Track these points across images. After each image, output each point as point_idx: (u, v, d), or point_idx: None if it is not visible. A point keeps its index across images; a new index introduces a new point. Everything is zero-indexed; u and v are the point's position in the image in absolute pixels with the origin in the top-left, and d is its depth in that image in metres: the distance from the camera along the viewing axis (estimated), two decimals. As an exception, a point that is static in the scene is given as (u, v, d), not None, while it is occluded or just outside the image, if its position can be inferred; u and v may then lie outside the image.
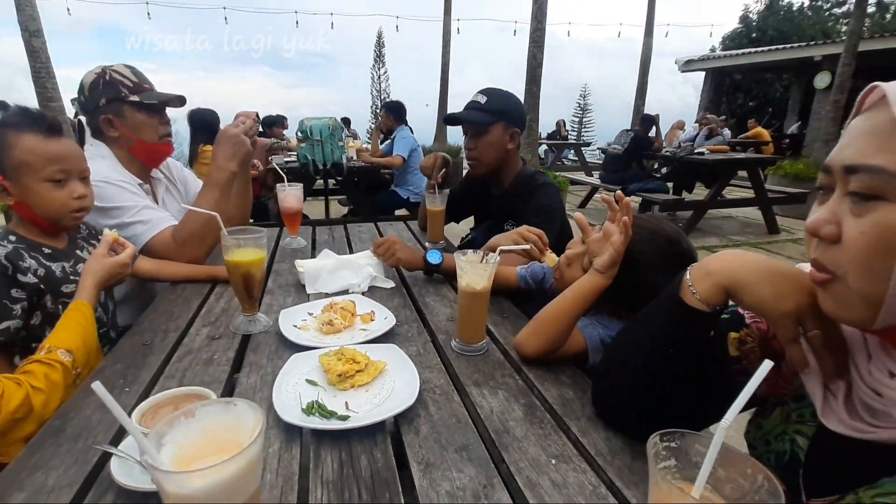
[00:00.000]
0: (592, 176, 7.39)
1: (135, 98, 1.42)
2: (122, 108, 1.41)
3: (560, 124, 10.96)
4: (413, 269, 1.37)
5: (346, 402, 0.76)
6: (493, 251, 0.96)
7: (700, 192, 7.05)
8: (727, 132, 11.22)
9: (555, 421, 0.77)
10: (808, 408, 0.59)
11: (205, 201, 1.39)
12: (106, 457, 0.63)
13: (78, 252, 1.15)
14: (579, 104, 17.98)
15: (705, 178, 6.69)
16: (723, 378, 0.66)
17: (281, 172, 1.73)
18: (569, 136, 11.65)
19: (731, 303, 0.71)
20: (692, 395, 0.63)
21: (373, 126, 5.74)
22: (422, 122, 4.46)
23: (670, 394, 0.64)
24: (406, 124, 4.43)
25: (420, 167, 1.81)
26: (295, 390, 0.78)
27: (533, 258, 1.19)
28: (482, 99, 1.59)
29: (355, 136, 7.25)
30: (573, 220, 1.04)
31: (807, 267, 0.53)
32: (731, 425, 0.41)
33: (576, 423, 0.76)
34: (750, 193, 5.59)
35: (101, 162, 1.40)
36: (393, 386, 0.81)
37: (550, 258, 1.13)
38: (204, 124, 3.81)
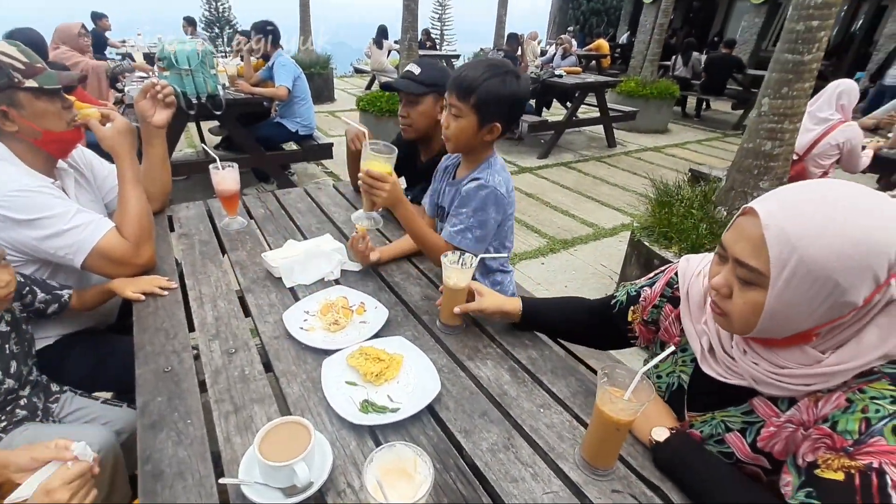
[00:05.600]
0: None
1: (31, 83, 1.19)
2: (17, 97, 1.19)
3: (426, 33, 10.57)
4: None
5: (389, 396, 0.96)
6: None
7: (556, 110, 7.74)
8: (574, 43, 12.02)
9: (531, 378, 1.07)
10: (689, 356, 0.96)
11: (134, 199, 1.32)
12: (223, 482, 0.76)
13: None
14: (437, 14, 16.73)
15: (560, 96, 7.33)
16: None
17: (212, 152, 1.62)
18: (437, 48, 11.35)
19: (634, 287, 1.05)
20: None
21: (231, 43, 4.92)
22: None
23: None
24: (281, 47, 4.01)
25: (347, 137, 1.82)
26: (343, 393, 0.95)
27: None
28: (416, 70, 1.65)
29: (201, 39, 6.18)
30: None
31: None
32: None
33: (545, 377, 1.07)
34: (596, 112, 6.36)
35: (5, 166, 1.20)
36: (417, 374, 1.02)
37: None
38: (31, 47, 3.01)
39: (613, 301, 1.10)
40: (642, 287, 1.05)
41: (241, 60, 4.25)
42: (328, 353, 1.06)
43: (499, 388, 1.03)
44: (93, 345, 1.39)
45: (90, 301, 1.32)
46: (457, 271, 1.11)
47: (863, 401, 0.68)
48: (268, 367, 1.05)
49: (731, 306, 0.74)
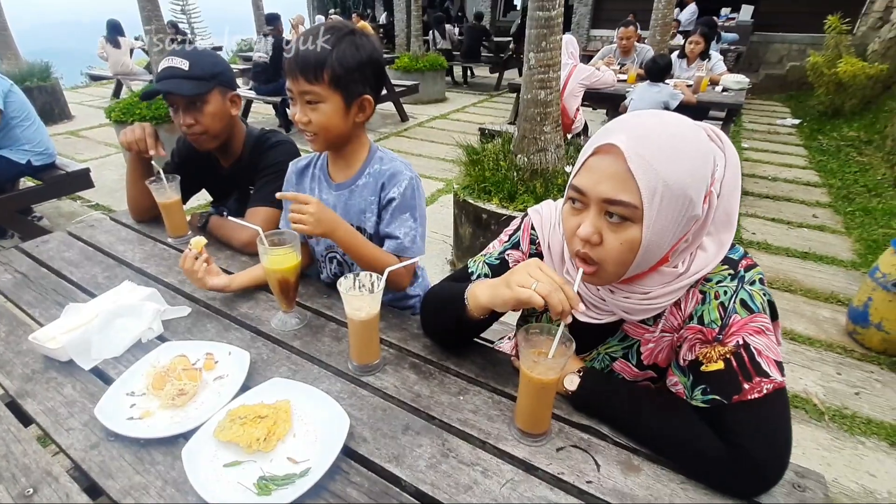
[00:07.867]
0: (240, 87, 6.68)
1: None
2: None
3: (173, 26, 8.92)
4: None
5: (290, 458, 0.74)
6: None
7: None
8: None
9: (436, 367, 0.96)
10: None
11: None
12: None
13: None
14: (179, 5, 13.71)
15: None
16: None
17: None
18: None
19: (492, 256, 1.00)
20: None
21: None
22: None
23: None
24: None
25: (124, 144, 1.35)
26: (227, 481, 0.69)
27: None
28: (184, 64, 1.27)
29: None
30: None
31: None
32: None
33: (450, 361, 0.97)
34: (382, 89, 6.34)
35: None
36: (314, 416, 0.81)
37: None
38: None
39: (474, 276, 0.97)
40: (504, 252, 0.97)
41: None
42: (184, 437, 0.76)
43: (409, 391, 0.89)
44: None
45: None
46: (366, 300, 0.86)
47: (712, 289, 0.76)
48: (95, 492, 0.71)
49: (604, 252, 0.71)
